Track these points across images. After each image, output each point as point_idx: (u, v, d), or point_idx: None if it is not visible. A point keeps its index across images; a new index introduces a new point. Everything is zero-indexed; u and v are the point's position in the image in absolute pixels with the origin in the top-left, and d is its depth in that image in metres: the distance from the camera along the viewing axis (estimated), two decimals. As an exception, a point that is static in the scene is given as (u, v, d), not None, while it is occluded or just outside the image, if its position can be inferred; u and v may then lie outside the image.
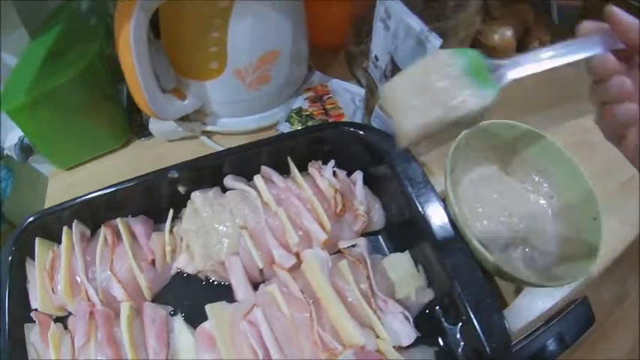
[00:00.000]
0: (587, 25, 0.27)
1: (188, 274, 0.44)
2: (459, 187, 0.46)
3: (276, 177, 0.43)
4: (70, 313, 0.45)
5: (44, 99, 0.47)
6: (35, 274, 0.45)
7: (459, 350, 0.38)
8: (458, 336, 0.38)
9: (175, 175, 0.43)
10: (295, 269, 0.41)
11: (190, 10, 0.43)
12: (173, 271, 0.45)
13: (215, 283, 0.44)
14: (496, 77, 0.26)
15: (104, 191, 0.45)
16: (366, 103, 0.49)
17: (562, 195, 0.44)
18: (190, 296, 0.44)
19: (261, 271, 0.41)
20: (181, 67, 0.48)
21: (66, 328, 0.44)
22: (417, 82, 0.26)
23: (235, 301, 0.41)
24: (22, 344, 0.43)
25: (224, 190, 0.45)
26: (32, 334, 0.44)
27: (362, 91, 0.51)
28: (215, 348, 0.39)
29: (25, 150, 0.57)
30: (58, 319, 0.45)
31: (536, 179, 0.46)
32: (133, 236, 0.45)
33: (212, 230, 0.41)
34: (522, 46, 0.54)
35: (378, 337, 0.38)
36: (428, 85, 0.25)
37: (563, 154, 0.43)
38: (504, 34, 0.53)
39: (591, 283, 0.46)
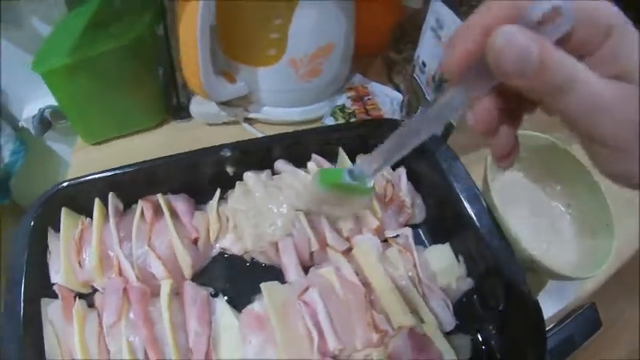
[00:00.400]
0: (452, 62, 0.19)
1: (230, 256, 0.43)
2: (492, 187, 0.49)
3: (327, 165, 0.44)
4: (94, 291, 0.42)
5: (85, 65, 0.45)
6: (59, 246, 0.42)
7: (494, 338, 0.39)
8: (493, 325, 0.40)
9: (228, 153, 0.42)
10: (347, 254, 0.41)
11: (258, -4, 0.43)
12: (215, 252, 0.43)
13: (260, 265, 0.42)
14: (364, 179, 0.28)
15: (143, 165, 0.43)
16: (408, 105, 0.51)
17: (579, 202, 0.48)
18: (232, 278, 0.42)
19: (311, 254, 0.41)
20: (235, 50, 0.48)
21: (89, 306, 0.41)
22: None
23: (284, 283, 0.40)
24: (36, 320, 0.39)
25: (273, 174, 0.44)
26: (50, 310, 0.40)
27: (399, 96, 0.54)
28: (263, 330, 0.38)
29: (44, 123, 0.54)
30: (79, 297, 0.41)
31: (556, 187, 0.50)
32: (173, 214, 0.43)
33: (265, 211, 0.40)
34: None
35: (422, 321, 0.39)
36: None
37: (580, 166, 0.47)
38: None
39: (597, 291, 0.49)
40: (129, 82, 0.48)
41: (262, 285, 0.37)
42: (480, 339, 0.40)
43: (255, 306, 0.38)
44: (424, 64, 0.48)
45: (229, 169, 0.44)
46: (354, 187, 0.27)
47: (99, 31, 0.47)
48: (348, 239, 0.41)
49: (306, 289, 0.38)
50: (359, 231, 0.42)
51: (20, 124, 0.54)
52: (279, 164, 0.44)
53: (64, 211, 0.43)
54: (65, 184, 0.42)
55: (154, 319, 0.39)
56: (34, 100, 0.54)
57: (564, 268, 0.44)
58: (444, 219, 0.44)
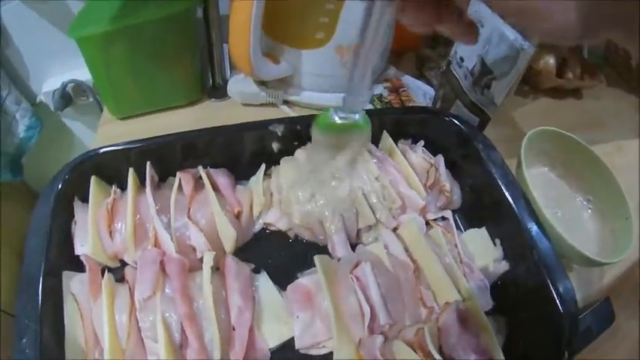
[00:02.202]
0: None
1: (272, 232, 0.40)
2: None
3: (372, 147, 0.43)
4: (123, 265, 0.38)
5: (123, 33, 0.42)
6: (87, 216, 0.37)
7: (528, 322, 0.38)
8: (528, 308, 0.39)
9: (277, 129, 0.40)
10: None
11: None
12: (258, 227, 0.40)
13: (304, 241, 0.40)
14: (353, 114, 0.28)
15: (184, 135, 0.40)
16: (443, 98, 0.51)
17: (599, 197, 0.49)
18: (275, 255, 0.38)
19: (358, 232, 0.39)
20: (281, 32, 0.46)
21: (117, 281, 0.36)
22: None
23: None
24: (56, 293, 0.34)
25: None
26: (74, 283, 0.35)
27: (431, 90, 0.55)
28: (311, 305, 0.35)
29: (66, 98, 0.49)
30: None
31: (578, 183, 0.51)
32: (214, 187, 0.40)
33: (317, 186, 0.38)
34: (559, 74, 0.61)
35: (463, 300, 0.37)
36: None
37: (600, 164, 0.49)
38: (548, 61, 0.60)
39: (610, 289, 0.50)
40: (166, 57, 0.45)
41: (316, 257, 0.34)
42: (515, 322, 0.39)
43: (304, 280, 0.35)
44: (462, 59, 0.49)
45: (275, 146, 0.42)
46: (348, 125, 0.27)
47: (140, 1, 0.45)
48: (394, 218, 0.40)
49: (357, 264, 0.36)
50: (404, 211, 0.41)
51: (39, 98, 0.49)
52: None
53: (93, 179, 0.39)
54: (100, 150, 0.38)
55: (193, 295, 0.35)
56: (56, 75, 0.50)
57: (589, 253, 0.44)
58: (481, 205, 0.44)
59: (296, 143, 0.42)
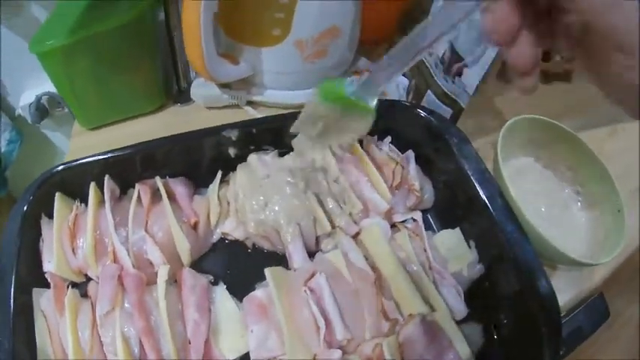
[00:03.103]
0: None
1: (230, 242, 0.40)
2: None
3: (335, 146, 0.41)
4: (88, 279, 0.39)
5: (82, 45, 0.42)
6: (52, 233, 0.39)
7: (506, 327, 0.36)
8: (505, 313, 0.37)
9: (231, 134, 0.39)
10: (355, 239, 0.38)
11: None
12: (216, 237, 0.40)
13: (263, 251, 0.39)
14: (368, 96, 0.26)
15: (142, 147, 0.40)
16: (416, 89, 0.48)
17: (589, 189, 0.46)
18: (233, 265, 0.39)
19: (317, 239, 0.38)
20: (238, 31, 0.45)
21: (82, 295, 0.38)
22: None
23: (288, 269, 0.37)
24: (27, 311, 0.36)
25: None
26: (43, 300, 0.37)
27: (405, 80, 0.51)
28: (266, 319, 0.35)
29: (41, 110, 0.51)
30: (72, 286, 0.38)
31: (567, 173, 0.47)
32: (171, 198, 0.40)
33: (270, 193, 0.37)
34: (546, 57, 0.57)
35: (433, 309, 0.36)
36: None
37: (590, 153, 0.45)
38: None
39: (605, 281, 0.46)
40: (128, 64, 0.45)
41: (267, 270, 0.34)
42: (492, 328, 0.37)
43: (258, 293, 0.35)
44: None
45: (231, 151, 0.41)
46: (356, 103, 0.25)
47: (98, 11, 0.45)
48: (355, 223, 0.38)
49: (313, 274, 0.35)
50: (366, 214, 0.39)
51: (17, 112, 0.51)
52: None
53: (57, 196, 0.40)
54: (60, 167, 0.39)
55: (150, 309, 0.36)
56: (31, 88, 0.52)
57: (576, 253, 0.41)
58: (455, 203, 0.41)
59: (252, 147, 0.41)
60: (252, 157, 0.39)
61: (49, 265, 0.38)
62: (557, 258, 0.39)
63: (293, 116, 0.40)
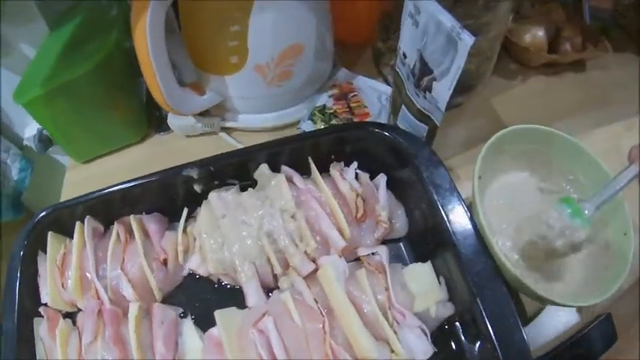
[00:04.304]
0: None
1: (200, 276, 0.43)
2: (487, 193, 0.43)
3: (296, 178, 0.41)
4: (79, 309, 0.44)
5: (59, 92, 0.46)
6: (46, 269, 0.44)
7: None
8: (475, 354, 0.36)
9: (191, 172, 0.41)
10: (312, 276, 0.38)
11: (210, 2, 0.41)
12: (185, 272, 0.43)
13: (228, 286, 0.42)
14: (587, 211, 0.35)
15: (118, 187, 0.44)
16: (392, 102, 0.46)
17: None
18: (201, 299, 0.42)
19: (274, 277, 0.39)
20: (201, 60, 0.46)
21: (75, 324, 0.43)
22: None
23: (247, 306, 0.39)
24: (31, 339, 0.42)
25: (243, 189, 0.43)
26: (41, 329, 0.43)
27: (389, 90, 0.49)
28: (221, 355, 0.37)
29: (44, 141, 0.57)
30: (68, 315, 0.44)
31: (567, 187, 0.43)
32: (146, 234, 0.44)
33: (226, 233, 0.39)
34: (553, 47, 0.51)
35: (392, 351, 0.36)
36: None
37: (594, 162, 0.40)
38: (536, 35, 0.50)
39: (617, 298, 0.42)
40: (105, 102, 0.49)
41: (216, 312, 0.37)
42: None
43: (215, 331, 0.38)
44: (405, 56, 0.43)
45: (197, 187, 0.43)
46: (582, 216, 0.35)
47: (76, 52, 0.48)
48: (314, 260, 0.39)
49: (264, 315, 0.36)
50: (327, 250, 0.40)
51: (24, 142, 0.58)
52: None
53: (50, 235, 0.45)
54: (45, 211, 0.44)
55: (127, 340, 0.40)
56: (34, 121, 0.57)
57: (566, 291, 0.38)
58: (426, 235, 0.40)
59: (217, 182, 0.43)
60: (212, 196, 0.41)
61: (46, 298, 0.44)
62: (542, 301, 0.36)
63: (255, 149, 0.41)
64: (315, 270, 0.39)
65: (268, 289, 0.40)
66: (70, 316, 0.43)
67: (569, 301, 0.35)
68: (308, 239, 0.38)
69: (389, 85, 0.50)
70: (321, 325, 0.36)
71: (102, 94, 0.48)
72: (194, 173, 0.42)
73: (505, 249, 0.42)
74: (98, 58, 0.46)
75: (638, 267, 0.42)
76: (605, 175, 0.39)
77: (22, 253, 0.44)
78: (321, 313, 0.36)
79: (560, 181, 0.43)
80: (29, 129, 0.57)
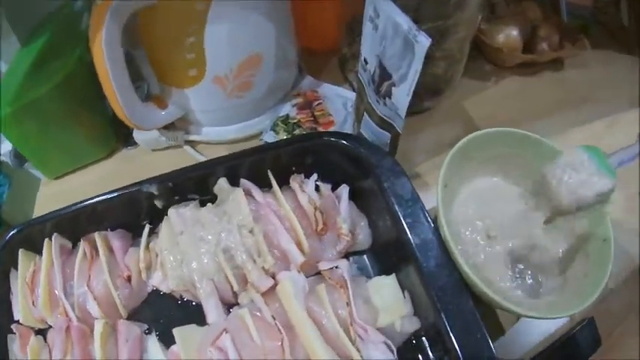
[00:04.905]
0: None
1: (164, 292, 0.43)
2: (456, 201, 0.42)
3: (255, 191, 0.41)
4: (50, 326, 0.46)
5: (26, 110, 0.47)
6: (18, 286, 0.45)
7: None
8: None
9: (151, 189, 0.42)
10: (272, 292, 0.39)
11: (165, 15, 0.41)
12: (150, 288, 0.44)
13: (191, 302, 0.42)
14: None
15: (82, 204, 0.44)
16: (355, 110, 0.45)
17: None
18: (165, 315, 0.43)
19: (234, 293, 0.39)
20: (162, 73, 0.46)
21: (46, 340, 0.44)
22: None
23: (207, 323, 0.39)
24: (5, 355, 0.43)
25: (203, 204, 0.43)
26: (14, 346, 0.44)
27: (354, 96, 0.48)
28: (184, 374, 0.38)
29: (20, 157, 0.58)
30: (40, 331, 0.45)
31: (540, 193, 0.41)
32: (110, 250, 0.45)
33: (185, 249, 0.39)
34: (529, 46, 0.50)
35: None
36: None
37: None
38: (510, 34, 0.48)
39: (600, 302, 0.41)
40: (71, 118, 0.50)
41: (174, 330, 0.37)
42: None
43: (175, 348, 0.38)
44: (366, 61, 0.42)
45: (158, 203, 0.43)
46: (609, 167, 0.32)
47: (41, 70, 0.49)
48: (273, 275, 0.39)
49: (222, 333, 0.37)
50: (287, 265, 0.40)
51: (1, 158, 0.59)
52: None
53: (20, 252, 0.46)
54: (16, 229, 0.45)
55: (94, 355, 0.41)
56: (9, 137, 0.59)
57: (540, 303, 0.37)
58: (390, 247, 0.40)
59: (177, 198, 0.43)
60: (171, 212, 0.41)
61: (18, 315, 0.45)
62: (516, 314, 0.36)
63: (215, 163, 0.41)
64: (275, 285, 0.39)
65: (229, 305, 0.40)
66: (42, 332, 0.45)
67: (546, 314, 0.34)
68: (265, 255, 0.38)
69: (355, 91, 0.50)
70: (279, 343, 0.36)
71: (66, 111, 0.49)
72: (153, 189, 0.42)
73: (477, 253, 0.41)
74: (60, 76, 0.47)
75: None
76: None
77: (-8, 271, 0.45)
78: (279, 330, 0.36)
79: (533, 186, 0.42)
80: (5, 144, 0.58)
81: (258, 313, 0.38)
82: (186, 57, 0.42)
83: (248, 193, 0.42)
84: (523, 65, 0.51)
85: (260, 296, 0.38)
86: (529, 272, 0.40)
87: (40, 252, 0.47)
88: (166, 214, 0.44)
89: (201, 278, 0.39)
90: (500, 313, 0.42)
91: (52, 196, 0.53)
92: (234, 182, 0.42)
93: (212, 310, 0.39)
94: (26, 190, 0.62)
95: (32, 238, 0.47)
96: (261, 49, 0.43)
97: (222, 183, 0.42)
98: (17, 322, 0.46)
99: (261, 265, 0.38)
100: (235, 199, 0.40)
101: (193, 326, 0.39)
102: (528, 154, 0.41)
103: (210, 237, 0.39)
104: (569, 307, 0.34)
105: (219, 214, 0.40)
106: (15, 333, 0.45)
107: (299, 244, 0.39)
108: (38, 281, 0.45)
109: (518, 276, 0.40)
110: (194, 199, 0.43)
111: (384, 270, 0.41)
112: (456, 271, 0.35)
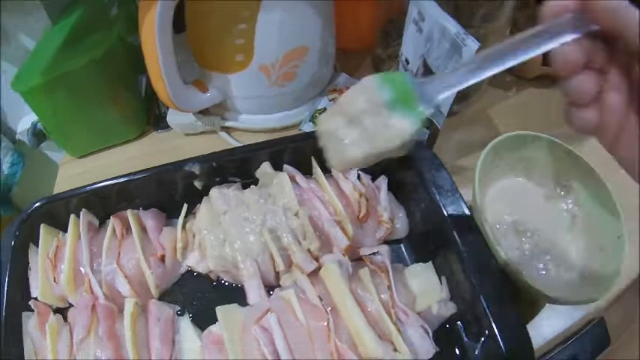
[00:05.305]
0: (552, 5, 0.21)
1: (199, 273, 0.43)
2: (486, 198, 0.45)
3: (299, 177, 0.42)
4: (70, 305, 0.44)
5: (59, 82, 0.47)
6: (38, 262, 0.44)
7: None
8: (478, 352, 0.37)
9: (193, 168, 0.42)
10: (314, 275, 0.39)
11: (218, 1, 0.42)
12: (183, 269, 0.43)
13: (227, 284, 0.42)
14: (425, 101, 0.25)
15: (116, 180, 0.44)
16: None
17: (586, 211, 0.44)
18: (199, 296, 0.42)
19: (277, 274, 0.40)
20: (205, 58, 0.47)
21: (65, 320, 0.43)
22: (345, 115, 0.26)
23: (247, 304, 0.39)
24: (18, 333, 0.41)
25: (245, 187, 0.43)
26: (30, 324, 0.42)
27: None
28: (222, 354, 0.38)
29: (38, 135, 0.57)
30: (58, 310, 0.43)
31: (561, 193, 0.45)
32: (143, 230, 0.44)
33: (227, 229, 0.40)
34: (548, 60, 0.54)
35: (396, 350, 0.36)
36: (356, 119, 0.26)
37: (588, 169, 0.42)
38: None
39: (609, 303, 0.44)
40: (105, 96, 0.49)
41: (217, 309, 0.37)
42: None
43: (214, 328, 0.38)
44: (407, 61, 0.45)
45: (197, 184, 0.43)
46: (410, 101, 0.24)
47: (76, 45, 0.49)
48: (317, 258, 0.40)
49: (266, 312, 0.37)
50: (329, 249, 0.40)
51: (17, 136, 0.57)
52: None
53: (42, 227, 0.45)
54: (39, 202, 0.44)
55: (121, 336, 0.40)
56: (29, 113, 0.57)
57: (563, 290, 0.40)
58: (427, 236, 0.41)
59: (218, 179, 0.43)
60: (214, 192, 0.42)
61: (36, 292, 0.43)
62: (541, 297, 0.38)
63: (257, 147, 0.42)
64: (318, 269, 0.40)
65: (269, 287, 0.40)
66: (61, 312, 0.43)
67: (571, 297, 0.37)
68: (312, 237, 0.39)
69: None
70: (326, 323, 0.36)
71: (102, 88, 0.49)
72: (196, 169, 0.42)
73: (505, 245, 0.43)
74: (101, 51, 0.47)
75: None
76: (600, 182, 0.41)
77: (13, 244, 0.43)
78: (326, 311, 0.37)
79: (554, 184, 0.46)
80: (23, 122, 0.57)
81: (301, 295, 0.38)
82: (235, 43, 0.43)
83: (292, 178, 0.43)
84: (542, 77, 0.54)
85: (306, 277, 0.38)
86: (550, 264, 0.43)
87: (62, 228, 0.46)
88: (204, 196, 0.44)
89: (245, 258, 0.39)
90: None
91: (75, 175, 0.52)
92: (276, 168, 0.43)
93: (254, 291, 0.39)
94: (41, 174, 0.60)
95: (55, 214, 0.46)
96: (307, 42, 0.45)
97: (265, 167, 0.43)
98: (34, 299, 0.44)
99: (307, 247, 0.39)
100: (280, 183, 0.41)
101: (235, 305, 0.38)
102: (551, 158, 0.45)
103: (255, 217, 0.39)
104: (588, 297, 0.37)
105: (263, 196, 0.41)
106: (30, 310, 0.43)
107: (342, 229, 0.40)
108: (62, 257, 0.44)
109: (542, 266, 0.42)
110: (234, 182, 0.44)
111: (419, 259, 0.42)
112: (492, 257, 0.37)
